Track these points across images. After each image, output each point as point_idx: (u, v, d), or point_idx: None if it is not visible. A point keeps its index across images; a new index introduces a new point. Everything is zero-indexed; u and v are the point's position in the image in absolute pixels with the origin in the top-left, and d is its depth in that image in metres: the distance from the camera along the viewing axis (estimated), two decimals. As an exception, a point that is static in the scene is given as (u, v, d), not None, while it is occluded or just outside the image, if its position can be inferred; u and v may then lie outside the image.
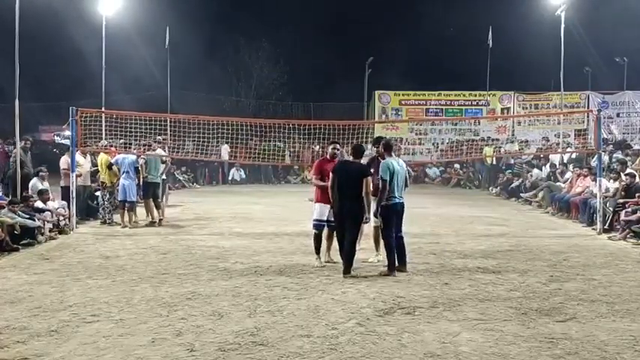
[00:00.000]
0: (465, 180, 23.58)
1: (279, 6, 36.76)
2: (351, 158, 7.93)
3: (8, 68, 12.43)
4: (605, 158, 14.21)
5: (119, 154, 12.29)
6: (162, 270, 7.77)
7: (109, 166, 12.03)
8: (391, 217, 7.61)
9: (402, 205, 7.72)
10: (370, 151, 9.95)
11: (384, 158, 7.84)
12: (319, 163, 8.31)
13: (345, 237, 7.48)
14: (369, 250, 8.44)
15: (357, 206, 7.40)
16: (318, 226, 7.99)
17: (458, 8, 36.26)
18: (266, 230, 11.37)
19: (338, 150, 8.42)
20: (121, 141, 13.16)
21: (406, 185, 7.85)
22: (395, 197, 7.59)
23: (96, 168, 12.93)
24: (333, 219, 7.77)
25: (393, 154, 7.87)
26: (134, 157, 12.04)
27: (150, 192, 12.14)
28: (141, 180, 12.25)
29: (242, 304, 6.12)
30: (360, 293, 6.56)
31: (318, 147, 20.26)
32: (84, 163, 12.60)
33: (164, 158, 13.23)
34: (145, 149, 12.37)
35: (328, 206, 7.82)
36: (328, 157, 8.29)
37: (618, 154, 15.39)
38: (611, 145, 18.22)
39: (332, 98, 31.50)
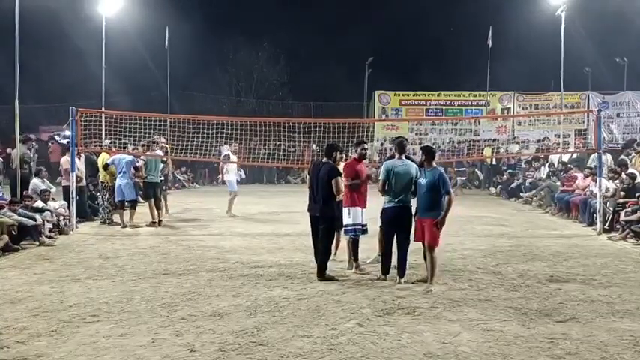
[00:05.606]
0: (466, 180, 23.53)
1: (279, 6, 36.78)
2: (324, 159, 7.56)
3: (8, 68, 12.43)
4: (608, 158, 14.18)
5: (117, 154, 12.28)
6: (162, 270, 7.77)
7: (105, 167, 12.03)
8: (385, 220, 7.22)
9: (399, 209, 7.05)
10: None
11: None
12: (350, 165, 7.85)
13: (319, 240, 7.35)
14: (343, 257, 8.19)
15: (327, 209, 7.25)
16: (355, 230, 7.64)
17: (458, 8, 36.34)
18: (266, 230, 11.38)
19: (367, 149, 8.08)
20: (122, 141, 13.15)
21: (413, 193, 7.09)
22: (392, 201, 7.08)
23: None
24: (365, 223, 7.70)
25: (403, 156, 7.25)
26: (131, 157, 12.02)
27: (150, 192, 12.15)
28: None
29: (242, 304, 6.12)
30: (360, 293, 6.56)
31: (315, 146, 20.25)
32: (79, 164, 12.53)
33: (164, 159, 13.21)
34: (144, 150, 12.36)
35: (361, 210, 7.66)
36: (357, 157, 7.87)
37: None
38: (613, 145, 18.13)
39: (332, 98, 31.53)
